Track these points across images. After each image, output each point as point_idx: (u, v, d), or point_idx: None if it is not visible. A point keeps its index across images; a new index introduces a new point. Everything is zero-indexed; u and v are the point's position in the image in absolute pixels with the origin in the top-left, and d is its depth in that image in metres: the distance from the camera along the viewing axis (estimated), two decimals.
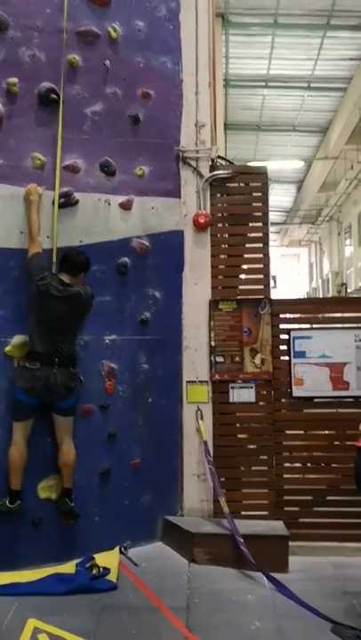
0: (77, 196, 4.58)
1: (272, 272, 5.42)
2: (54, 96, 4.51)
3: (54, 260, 4.41)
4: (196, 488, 4.87)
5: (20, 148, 4.48)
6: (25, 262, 4.29)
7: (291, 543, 4.45)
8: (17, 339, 4.34)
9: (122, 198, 4.76)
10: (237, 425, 5.05)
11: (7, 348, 4.35)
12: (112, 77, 4.76)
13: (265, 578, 4.08)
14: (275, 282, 19.59)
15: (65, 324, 4.23)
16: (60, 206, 4.53)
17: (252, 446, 5.02)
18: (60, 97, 4.51)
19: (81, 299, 4.29)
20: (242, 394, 4.95)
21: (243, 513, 4.81)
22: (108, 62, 4.72)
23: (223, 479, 4.82)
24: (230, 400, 4.96)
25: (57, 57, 4.57)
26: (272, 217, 20.72)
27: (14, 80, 4.43)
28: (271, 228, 8.69)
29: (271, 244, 5.74)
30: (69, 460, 4.33)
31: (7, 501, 4.18)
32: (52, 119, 4.52)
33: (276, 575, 4.05)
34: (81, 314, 4.35)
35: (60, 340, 4.20)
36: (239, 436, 5.03)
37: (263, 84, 13.03)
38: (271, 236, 7.10)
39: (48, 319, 4.18)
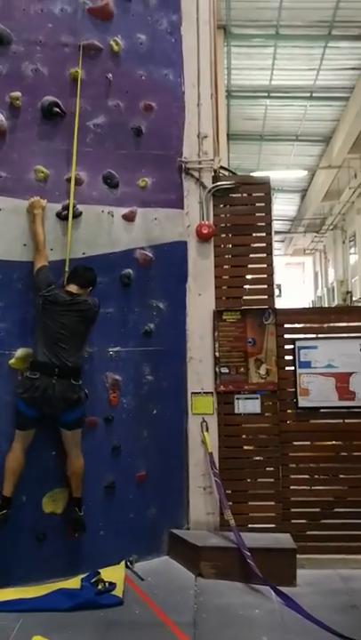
0: (81, 208, 4.59)
1: (277, 281, 5.39)
2: (57, 109, 4.52)
3: (67, 268, 4.43)
4: (202, 501, 4.83)
5: (23, 162, 4.49)
6: (32, 275, 4.29)
7: (298, 556, 4.40)
8: (21, 351, 4.33)
9: (125, 210, 4.77)
10: (243, 436, 5.01)
11: (11, 361, 4.34)
12: (114, 90, 4.78)
13: (273, 592, 4.03)
14: (280, 291, 19.57)
15: (71, 335, 4.21)
16: (63, 218, 4.54)
17: (258, 458, 4.97)
18: (77, 111, 4.56)
19: (89, 308, 4.30)
20: (247, 405, 4.91)
21: (249, 526, 4.76)
22: (110, 75, 4.74)
23: (229, 491, 4.78)
24: (236, 411, 4.93)
25: (60, 71, 4.60)
26: (276, 226, 20.72)
27: (17, 94, 4.45)
28: (275, 237, 8.68)
29: (275, 252, 5.73)
30: (78, 469, 4.32)
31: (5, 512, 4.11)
32: (54, 132, 4.53)
33: (284, 589, 4.01)
34: (88, 324, 4.34)
35: (64, 351, 4.17)
36: (245, 447, 4.99)
37: (265, 94, 13.06)
38: (275, 245, 7.09)
39: (55, 329, 4.17)
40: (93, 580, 4.15)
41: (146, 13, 4.94)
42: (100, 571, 4.26)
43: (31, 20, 4.57)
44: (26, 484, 4.34)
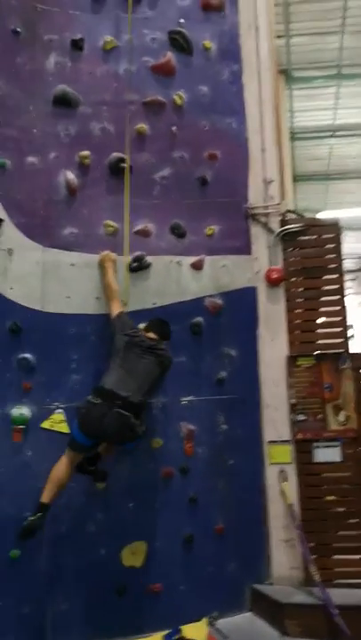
0: (150, 259, 4.65)
1: (350, 321, 5.23)
2: (124, 165, 4.65)
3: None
4: (284, 554, 4.63)
5: (92, 217, 4.62)
6: (107, 325, 4.35)
7: None
8: None
9: (193, 259, 4.79)
10: (324, 486, 4.80)
11: None
12: (179, 142, 4.87)
13: None
14: (353, 331, 19.03)
15: (145, 375, 4.16)
16: (133, 270, 4.61)
17: (340, 509, 4.75)
18: (127, 166, 4.66)
19: (167, 357, 4.33)
20: (327, 453, 4.72)
21: (336, 581, 4.52)
22: (174, 128, 4.85)
23: (312, 544, 4.57)
24: (315, 460, 4.75)
25: (125, 128, 4.74)
26: (347, 264, 20.32)
27: (86, 153, 4.62)
28: (346, 276, 8.48)
29: (347, 292, 5.58)
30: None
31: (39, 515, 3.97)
32: (122, 187, 4.65)
33: None
34: (162, 373, 4.32)
35: (133, 387, 4.07)
36: (327, 498, 4.77)
37: (330, 133, 13.05)
38: (347, 284, 6.90)
39: (131, 366, 4.13)
40: (176, 638, 4.03)
41: (207, 66, 5.05)
42: (182, 628, 4.13)
43: (97, 82, 4.76)
44: (104, 537, 4.34)
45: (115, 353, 4.22)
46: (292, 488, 4.67)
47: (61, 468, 4.07)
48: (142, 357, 4.18)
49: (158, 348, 4.28)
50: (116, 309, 4.35)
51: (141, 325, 4.44)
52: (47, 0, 4.68)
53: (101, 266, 4.51)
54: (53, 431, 4.31)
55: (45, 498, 3.98)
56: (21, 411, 4.23)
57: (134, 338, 4.21)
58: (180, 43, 4.93)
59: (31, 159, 4.50)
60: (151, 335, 4.34)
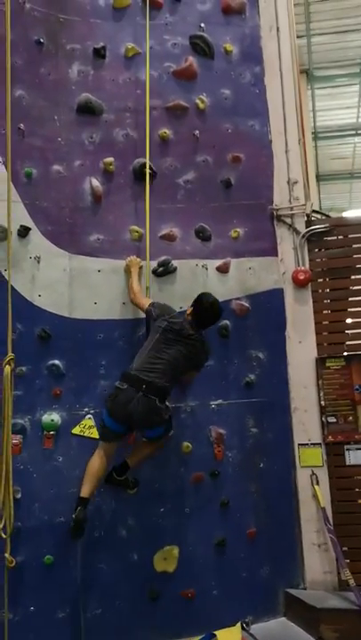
0: (175, 263, 4.65)
1: None
2: (149, 170, 4.67)
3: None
4: (317, 558, 4.59)
5: (118, 223, 4.63)
6: (145, 314, 4.34)
7: None
8: None
9: (219, 262, 4.78)
10: (356, 489, 4.74)
11: None
12: (202, 146, 4.87)
13: None
14: None
15: (173, 363, 4.12)
16: (159, 275, 4.61)
17: None
18: (147, 171, 4.66)
19: (203, 349, 4.29)
20: (359, 456, 4.67)
21: None
22: (197, 132, 4.85)
23: (345, 548, 4.52)
24: (347, 463, 4.69)
25: (149, 133, 4.75)
26: None
27: (111, 159, 4.64)
28: None
29: None
30: (150, 452, 4.29)
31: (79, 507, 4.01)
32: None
33: None
34: (191, 364, 4.27)
35: (158, 372, 4.06)
36: (359, 501, 4.71)
37: (353, 132, 12.95)
38: None
39: (159, 352, 4.11)
40: None
41: (229, 69, 5.04)
42: (216, 633, 4.11)
43: (120, 89, 4.78)
44: (135, 542, 4.33)
45: (148, 339, 4.24)
46: (323, 491, 4.63)
47: (96, 460, 4.11)
48: (175, 344, 4.14)
49: (194, 339, 4.20)
50: (146, 302, 4.34)
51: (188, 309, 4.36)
52: (69, 10, 4.72)
53: (127, 271, 4.52)
54: (84, 437, 4.33)
55: (84, 492, 4.03)
56: (52, 417, 4.26)
57: (173, 324, 4.17)
58: (201, 47, 4.94)
59: (56, 167, 4.53)
60: (192, 325, 4.24)
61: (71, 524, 3.93)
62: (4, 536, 3.80)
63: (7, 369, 3.87)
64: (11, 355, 3.90)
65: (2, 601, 3.89)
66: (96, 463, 4.10)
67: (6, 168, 4.06)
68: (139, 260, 4.54)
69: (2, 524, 3.79)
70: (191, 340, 4.19)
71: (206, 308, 4.29)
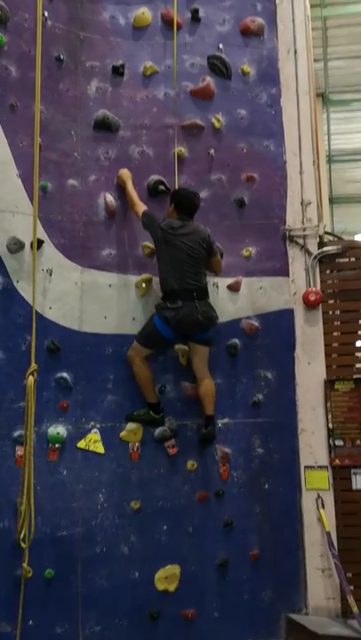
0: None
1: None
2: (162, 187, 4.70)
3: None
4: (321, 584, 4.52)
5: (130, 239, 4.66)
6: (141, 221, 4.47)
7: None
8: (130, 425, 4.43)
9: (230, 280, 4.79)
10: None
11: (122, 433, 4.40)
12: (217, 165, 4.90)
13: None
14: None
15: (195, 257, 4.35)
16: None
17: None
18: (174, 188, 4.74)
19: (202, 232, 4.45)
20: None
21: None
22: (212, 151, 4.89)
23: (350, 574, 4.45)
24: (353, 487, 4.63)
25: (164, 150, 4.80)
26: None
27: None
28: None
29: None
30: (210, 389, 4.47)
31: (150, 412, 4.40)
32: (160, 208, 4.66)
33: None
34: (205, 247, 4.44)
35: (193, 274, 4.32)
36: None
37: None
38: None
39: (179, 254, 4.32)
40: None
41: (246, 89, 5.08)
42: None
43: (137, 107, 4.83)
44: (137, 559, 4.30)
45: (157, 247, 4.44)
46: (329, 515, 4.57)
47: (143, 370, 4.40)
48: (183, 241, 4.33)
49: (192, 227, 4.42)
50: (140, 209, 4.47)
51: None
52: (89, 28, 4.79)
53: (121, 182, 4.61)
54: (88, 451, 4.32)
55: (150, 398, 4.42)
56: (58, 429, 4.24)
57: (163, 225, 4.36)
58: (218, 67, 4.99)
59: (72, 182, 4.57)
60: (177, 215, 4.46)
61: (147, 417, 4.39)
62: (23, 546, 3.80)
63: (30, 379, 3.93)
64: (34, 365, 3.96)
65: (2, 613, 3.86)
66: (145, 372, 4.40)
67: (33, 185, 4.18)
68: (127, 170, 4.63)
69: (22, 533, 3.81)
70: (188, 228, 4.39)
71: (183, 194, 4.54)
